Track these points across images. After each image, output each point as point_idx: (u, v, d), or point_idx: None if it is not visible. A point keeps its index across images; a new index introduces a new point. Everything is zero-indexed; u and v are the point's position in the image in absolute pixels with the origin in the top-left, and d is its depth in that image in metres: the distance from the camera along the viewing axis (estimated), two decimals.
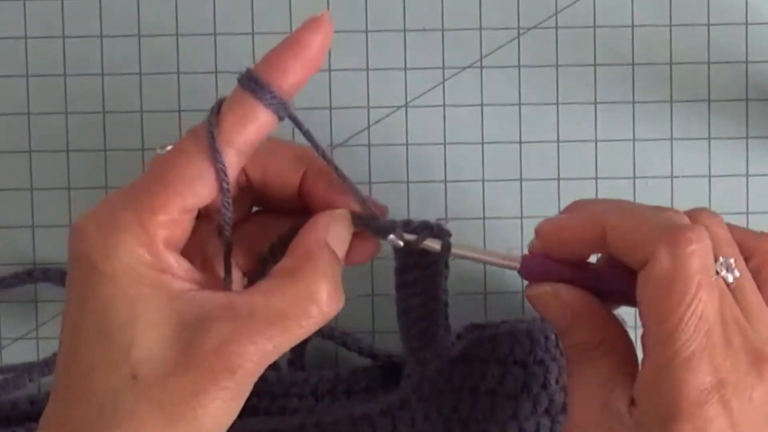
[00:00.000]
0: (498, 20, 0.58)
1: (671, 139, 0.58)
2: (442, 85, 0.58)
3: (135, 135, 0.58)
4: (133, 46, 0.58)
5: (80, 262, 0.43)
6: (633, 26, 0.58)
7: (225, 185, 0.44)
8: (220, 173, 0.43)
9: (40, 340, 0.58)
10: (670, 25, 0.58)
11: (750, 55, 0.58)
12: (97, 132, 0.58)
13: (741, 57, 0.58)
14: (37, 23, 0.58)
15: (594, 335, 0.46)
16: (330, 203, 0.47)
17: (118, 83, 0.58)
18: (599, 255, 0.50)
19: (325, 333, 0.56)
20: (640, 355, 0.46)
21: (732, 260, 0.44)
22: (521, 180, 0.58)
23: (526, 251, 0.48)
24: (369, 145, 0.58)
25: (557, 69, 0.58)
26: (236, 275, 0.47)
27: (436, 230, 0.47)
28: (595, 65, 0.58)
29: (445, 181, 0.58)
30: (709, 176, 0.58)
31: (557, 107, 0.58)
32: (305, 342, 0.54)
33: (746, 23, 0.58)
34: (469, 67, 0.58)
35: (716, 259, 0.44)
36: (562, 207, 0.57)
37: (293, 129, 0.58)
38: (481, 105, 0.58)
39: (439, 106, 0.58)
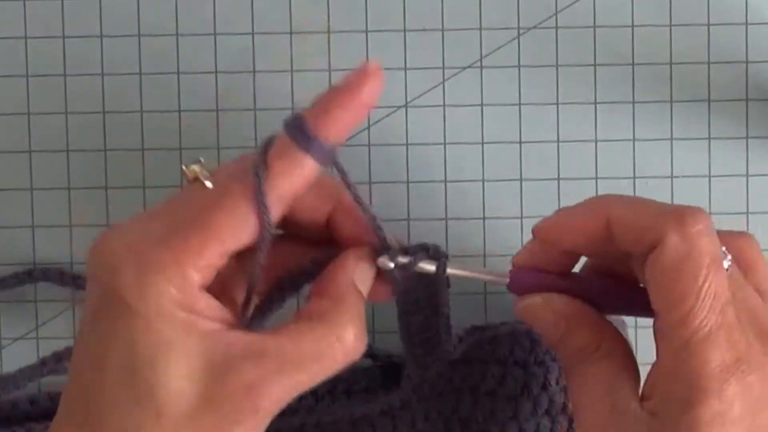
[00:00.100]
0: (498, 20, 0.58)
1: (671, 139, 0.58)
2: (442, 85, 0.58)
3: (135, 135, 0.58)
4: (133, 46, 0.58)
5: (111, 297, 0.42)
6: (633, 26, 0.58)
7: (267, 235, 0.43)
8: (265, 223, 0.43)
9: (40, 340, 0.58)
10: (670, 25, 0.58)
11: (750, 55, 0.58)
12: (97, 132, 0.58)
13: (741, 57, 0.58)
14: (37, 23, 0.58)
15: (591, 340, 0.46)
16: (357, 238, 0.47)
17: (118, 83, 0.58)
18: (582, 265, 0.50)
19: None
20: (640, 357, 0.46)
21: (723, 247, 0.44)
22: (521, 180, 0.58)
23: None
24: (369, 145, 0.58)
25: (557, 69, 0.58)
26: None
27: (432, 252, 0.47)
28: (595, 65, 0.58)
29: (445, 181, 0.58)
30: (709, 176, 0.58)
31: (557, 107, 0.58)
32: None
33: (746, 23, 0.58)
34: (469, 67, 0.58)
35: None
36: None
37: None
38: (481, 105, 0.58)
39: (439, 106, 0.58)
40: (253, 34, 0.58)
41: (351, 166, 0.57)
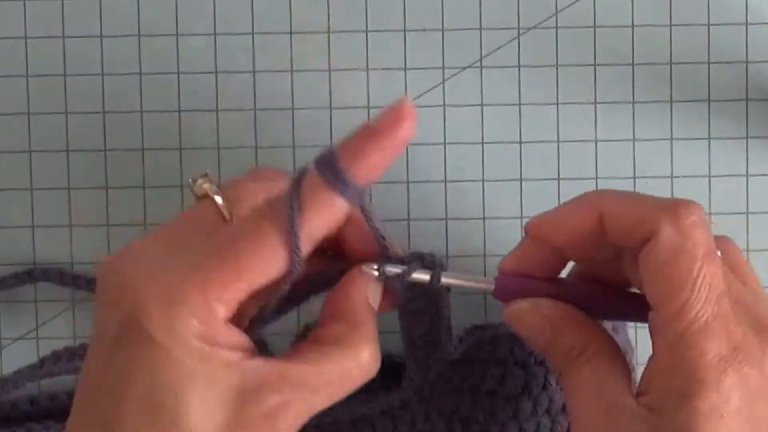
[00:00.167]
0: (498, 20, 0.58)
1: (671, 139, 0.58)
2: (442, 85, 0.58)
3: (135, 135, 0.58)
4: (133, 46, 0.58)
5: (133, 328, 0.42)
6: (633, 26, 0.58)
7: (296, 273, 0.43)
8: (295, 263, 0.43)
9: (40, 340, 0.58)
10: (670, 25, 0.58)
11: (750, 55, 0.58)
12: (97, 132, 0.58)
13: (741, 57, 0.58)
14: (37, 23, 0.58)
15: (579, 340, 0.45)
16: (365, 251, 0.47)
17: (118, 83, 0.58)
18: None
19: None
20: (640, 357, 0.46)
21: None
22: (521, 180, 0.58)
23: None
24: None
25: (557, 69, 0.58)
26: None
27: (427, 262, 0.47)
28: (595, 65, 0.58)
29: (445, 181, 0.58)
30: (709, 176, 0.58)
31: (557, 107, 0.58)
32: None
33: (746, 23, 0.58)
34: (469, 67, 0.58)
35: None
36: None
37: (293, 125, 0.58)
38: (481, 105, 0.58)
39: (439, 106, 0.58)
40: (253, 34, 0.58)
41: None
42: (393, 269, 0.46)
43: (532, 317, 0.46)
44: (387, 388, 0.55)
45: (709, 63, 0.58)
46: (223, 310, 0.42)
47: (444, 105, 0.58)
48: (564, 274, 0.49)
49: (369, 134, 0.43)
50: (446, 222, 0.58)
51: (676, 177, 0.58)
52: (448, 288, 0.49)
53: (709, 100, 0.58)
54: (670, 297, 0.42)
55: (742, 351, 0.42)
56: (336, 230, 0.46)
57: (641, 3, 0.58)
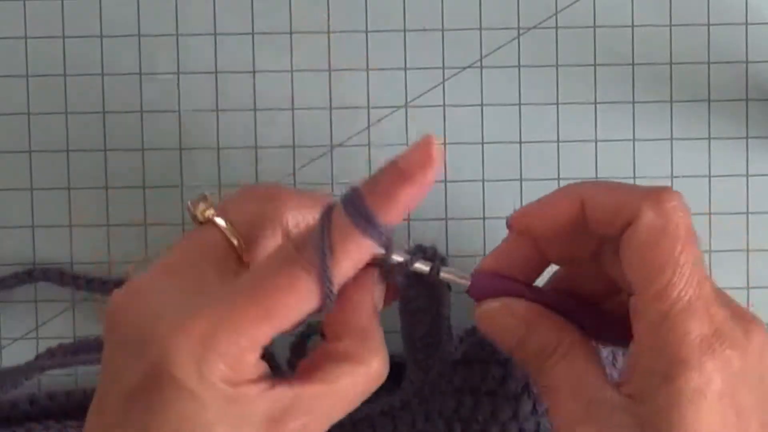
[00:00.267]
0: (498, 20, 0.58)
1: (671, 139, 0.58)
2: (442, 85, 0.58)
3: (135, 135, 0.58)
4: (132, 46, 0.58)
5: (161, 377, 0.41)
6: (633, 26, 0.58)
7: (327, 311, 0.43)
8: (328, 306, 0.43)
9: (40, 340, 0.58)
10: (670, 25, 0.58)
11: (750, 55, 0.58)
12: (97, 132, 0.58)
13: (741, 57, 0.58)
14: (37, 23, 0.58)
15: (552, 338, 0.45)
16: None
17: (118, 83, 0.58)
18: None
19: (324, 333, 0.56)
20: None
21: None
22: (521, 180, 0.58)
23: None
24: (369, 145, 0.58)
25: (557, 69, 0.58)
26: None
27: (429, 254, 0.47)
28: (595, 65, 0.58)
29: (445, 181, 0.58)
30: (709, 176, 0.58)
31: (557, 107, 0.58)
32: (305, 342, 0.54)
33: (746, 23, 0.58)
34: (469, 67, 0.58)
35: None
36: None
37: (293, 125, 0.58)
38: (481, 105, 0.58)
39: (439, 106, 0.58)
40: (253, 34, 0.58)
41: (351, 166, 0.58)
42: (397, 257, 0.46)
43: (503, 317, 0.46)
44: (387, 389, 0.55)
45: (709, 63, 0.58)
46: (254, 356, 0.42)
47: (444, 105, 0.58)
48: (541, 283, 0.49)
49: (397, 177, 0.42)
50: (446, 222, 0.58)
51: (676, 177, 0.58)
52: (449, 286, 0.49)
53: (709, 100, 0.58)
54: (652, 278, 0.42)
55: (724, 333, 0.42)
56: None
57: (641, 3, 0.58)
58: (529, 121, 0.58)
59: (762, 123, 0.58)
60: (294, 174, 0.58)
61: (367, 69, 0.58)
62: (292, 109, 0.58)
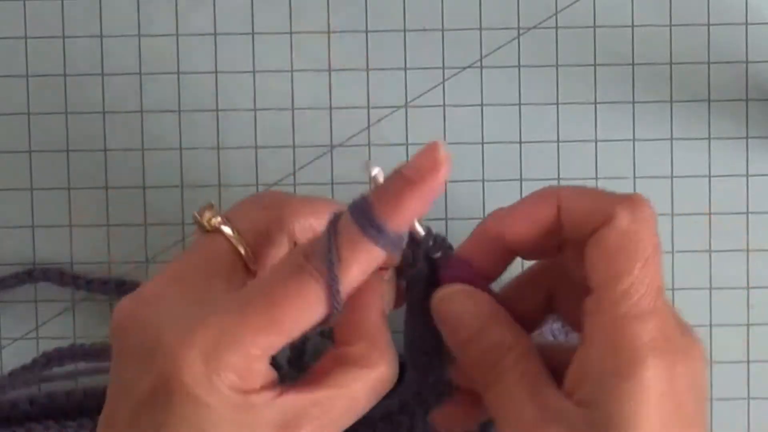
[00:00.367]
0: (498, 20, 0.58)
1: (671, 139, 0.58)
2: (442, 85, 0.58)
3: (135, 135, 0.58)
4: (133, 46, 0.58)
5: (171, 385, 0.41)
6: (633, 26, 0.58)
7: (334, 320, 0.43)
8: (336, 314, 0.42)
9: (40, 340, 0.58)
10: (670, 25, 0.58)
11: (750, 55, 0.58)
12: (97, 132, 0.58)
13: (741, 57, 0.58)
14: (37, 23, 0.58)
15: (509, 333, 0.45)
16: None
17: (118, 83, 0.58)
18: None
19: (325, 332, 0.56)
20: None
21: None
22: (521, 180, 0.58)
23: None
24: (369, 145, 0.58)
25: (557, 69, 0.58)
26: None
27: (439, 241, 0.47)
28: (595, 65, 0.58)
29: (445, 181, 0.58)
30: (709, 176, 0.58)
31: (557, 107, 0.58)
32: (305, 341, 0.54)
33: (746, 23, 0.58)
34: (469, 67, 0.58)
35: None
36: None
37: (293, 125, 0.58)
38: (481, 105, 0.58)
39: (439, 106, 0.58)
40: (252, 34, 0.58)
41: (351, 166, 0.58)
42: (417, 226, 0.46)
43: (464, 303, 0.46)
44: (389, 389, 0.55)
45: (709, 63, 0.58)
46: (263, 364, 0.42)
47: (444, 105, 0.58)
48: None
49: (405, 183, 0.42)
50: (446, 222, 0.58)
51: (676, 177, 0.58)
52: None
53: (709, 100, 0.58)
54: (616, 280, 0.43)
55: (674, 342, 0.43)
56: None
57: (641, 3, 0.58)
58: (529, 121, 0.58)
59: (762, 123, 0.58)
60: (294, 174, 0.58)
61: (367, 69, 0.58)
62: (292, 109, 0.58)
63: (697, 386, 0.44)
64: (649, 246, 0.43)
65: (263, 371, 0.42)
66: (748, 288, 0.58)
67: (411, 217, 0.43)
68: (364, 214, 0.42)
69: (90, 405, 0.57)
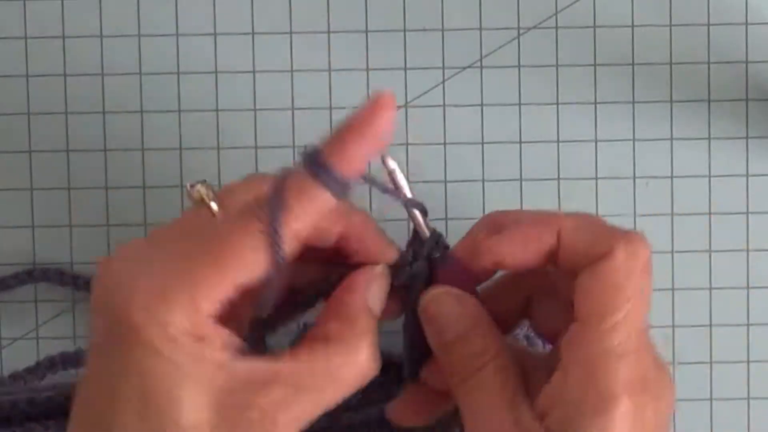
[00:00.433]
0: (498, 20, 0.58)
1: (671, 139, 0.58)
2: (442, 85, 0.58)
3: (135, 135, 0.58)
4: (133, 46, 0.58)
5: (121, 327, 0.42)
6: (633, 26, 0.58)
7: (278, 272, 0.43)
8: (277, 261, 0.43)
9: (40, 340, 0.58)
10: (670, 25, 0.58)
11: (750, 55, 0.58)
12: (97, 132, 0.58)
13: (741, 57, 0.58)
14: (37, 23, 0.58)
15: (493, 342, 0.46)
16: (367, 258, 0.47)
17: (118, 83, 0.58)
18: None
19: None
20: None
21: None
22: (521, 180, 0.58)
23: None
24: None
25: (557, 69, 0.58)
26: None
27: (441, 241, 0.48)
28: (595, 65, 0.58)
29: (445, 181, 0.58)
30: (709, 176, 0.58)
31: (557, 107, 0.58)
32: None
33: (746, 23, 0.58)
34: (469, 67, 0.58)
35: None
36: (563, 207, 0.58)
37: (293, 125, 0.58)
38: (481, 105, 0.58)
39: (439, 106, 0.58)
40: (253, 34, 0.58)
41: None
42: (422, 224, 0.47)
43: (452, 306, 0.47)
44: (387, 389, 0.55)
45: (709, 63, 0.58)
46: (209, 307, 0.42)
47: (444, 105, 0.58)
48: None
49: (350, 128, 0.43)
50: (446, 222, 0.58)
51: (676, 177, 0.58)
52: None
53: (709, 100, 0.58)
54: (603, 315, 0.43)
55: (648, 383, 0.44)
56: (334, 234, 0.47)
57: (641, 3, 0.58)
58: (529, 121, 0.58)
59: (762, 123, 0.58)
60: None
61: (367, 69, 0.58)
62: (292, 109, 0.58)
63: (663, 425, 0.45)
64: (641, 285, 0.44)
65: (219, 328, 0.42)
66: (748, 288, 0.58)
67: (358, 161, 0.43)
68: (313, 159, 0.43)
69: None
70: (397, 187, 0.47)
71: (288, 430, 0.42)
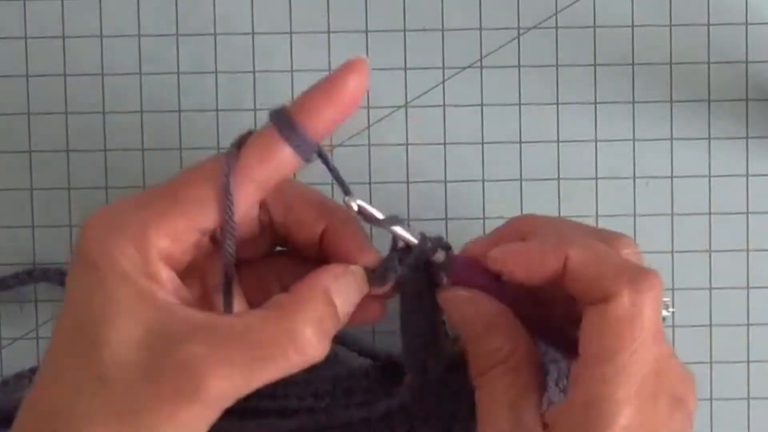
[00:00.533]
0: (498, 20, 0.58)
1: (671, 139, 0.58)
2: (442, 85, 0.58)
3: (135, 135, 0.58)
4: (133, 46, 0.58)
5: (78, 256, 0.43)
6: (633, 26, 0.58)
7: (227, 215, 0.43)
8: (226, 202, 0.43)
9: (40, 340, 0.58)
10: (670, 25, 0.58)
11: (750, 55, 0.58)
12: (97, 132, 0.58)
13: (741, 57, 0.58)
14: (37, 23, 0.58)
15: (505, 344, 0.46)
16: (348, 257, 0.47)
17: (118, 83, 0.58)
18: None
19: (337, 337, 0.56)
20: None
21: (668, 299, 0.45)
22: (521, 180, 0.58)
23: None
24: (369, 145, 0.58)
25: (557, 69, 0.58)
26: (243, 308, 0.47)
27: (435, 241, 0.48)
28: (595, 65, 0.58)
29: (445, 181, 0.58)
30: (709, 176, 0.58)
31: (557, 107, 0.58)
32: None
33: (746, 23, 0.58)
34: (469, 67, 0.58)
35: None
36: (563, 207, 0.57)
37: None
38: (481, 105, 0.58)
39: (439, 106, 0.58)
40: (253, 34, 0.58)
41: (351, 166, 0.58)
42: (406, 235, 0.47)
43: (467, 309, 0.47)
44: (387, 389, 0.55)
45: (709, 63, 0.58)
46: (160, 244, 0.43)
47: (444, 105, 0.58)
48: None
49: (321, 87, 0.44)
50: (446, 222, 0.58)
51: (676, 177, 0.58)
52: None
53: (709, 100, 0.58)
54: (604, 360, 0.43)
55: (646, 427, 0.43)
56: (318, 231, 0.47)
57: (641, 3, 0.58)
58: (529, 121, 0.58)
59: (762, 123, 0.58)
60: (294, 174, 0.58)
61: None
62: None
63: None
64: (645, 332, 0.43)
65: (167, 270, 0.43)
66: (748, 288, 0.58)
67: (325, 122, 0.44)
68: (279, 115, 0.44)
69: None
70: (371, 218, 0.47)
71: (215, 390, 0.41)
